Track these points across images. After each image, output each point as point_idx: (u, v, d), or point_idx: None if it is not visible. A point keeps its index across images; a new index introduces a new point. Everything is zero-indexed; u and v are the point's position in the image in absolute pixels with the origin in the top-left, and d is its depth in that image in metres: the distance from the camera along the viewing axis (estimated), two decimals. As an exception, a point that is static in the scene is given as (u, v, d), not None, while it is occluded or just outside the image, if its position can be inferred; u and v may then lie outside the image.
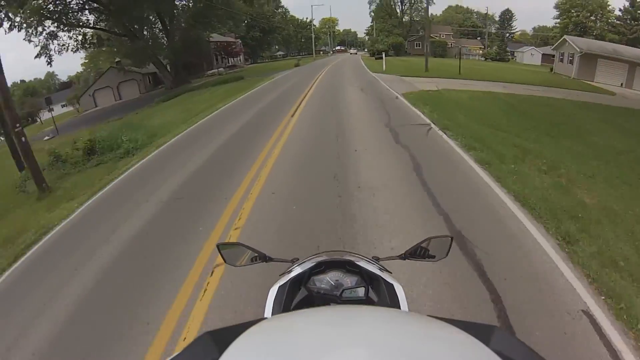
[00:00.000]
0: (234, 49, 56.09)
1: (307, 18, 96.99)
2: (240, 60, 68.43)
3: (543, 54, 68.20)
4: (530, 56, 68.04)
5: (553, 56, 69.41)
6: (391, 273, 1.40)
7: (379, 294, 1.29)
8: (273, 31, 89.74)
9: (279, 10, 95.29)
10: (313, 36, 68.43)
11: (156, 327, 3.57)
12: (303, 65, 41.99)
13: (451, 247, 1.48)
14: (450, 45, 68.89)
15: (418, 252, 1.49)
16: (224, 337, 0.58)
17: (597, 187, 6.16)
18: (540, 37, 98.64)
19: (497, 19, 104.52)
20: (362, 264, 1.33)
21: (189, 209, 6.07)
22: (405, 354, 0.51)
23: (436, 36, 76.74)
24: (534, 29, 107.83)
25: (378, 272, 1.34)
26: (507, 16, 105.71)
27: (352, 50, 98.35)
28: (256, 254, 1.57)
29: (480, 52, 76.96)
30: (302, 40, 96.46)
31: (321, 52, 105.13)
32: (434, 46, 64.90)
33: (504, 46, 65.90)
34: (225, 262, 1.57)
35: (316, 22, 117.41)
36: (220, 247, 1.56)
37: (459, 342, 0.57)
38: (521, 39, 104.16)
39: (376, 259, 1.51)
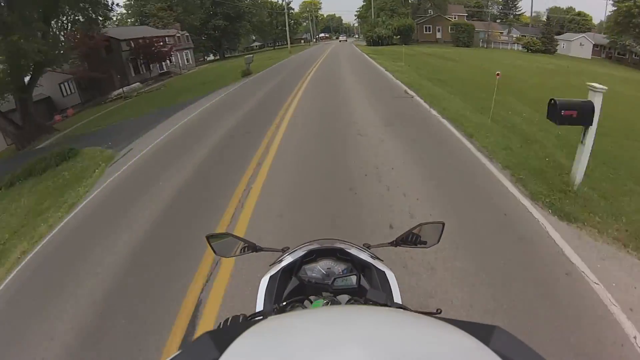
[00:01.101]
0: (161, 48, 35.22)
1: (283, 0, 75.46)
2: (188, 60, 47.67)
3: (594, 45, 49.21)
4: (579, 47, 48.69)
5: (602, 47, 50.63)
6: (382, 260, 1.34)
7: (370, 281, 1.24)
8: (241, 18, 68.63)
9: (249, -9, 73.55)
10: (287, 20, 47.55)
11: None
12: (259, 73, 22.25)
13: (442, 233, 1.39)
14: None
15: (409, 239, 1.42)
16: (224, 337, 0.57)
17: None
18: (557, 20, 79.60)
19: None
20: (353, 251, 1.29)
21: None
22: (405, 354, 0.49)
23: (449, 18, 56.63)
24: (549, 10, 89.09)
25: (369, 259, 1.29)
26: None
27: (341, 37, 77.88)
28: (246, 244, 1.49)
29: (510, 39, 57.17)
30: (279, 27, 75.20)
31: (302, 41, 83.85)
32: (457, 31, 44.92)
33: (550, 34, 46.14)
34: (215, 253, 1.47)
35: (295, 6, 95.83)
36: (210, 238, 1.45)
37: (458, 342, 0.55)
38: (532, 22, 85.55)
39: (367, 247, 1.46)
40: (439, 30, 55.82)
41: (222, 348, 0.54)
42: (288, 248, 1.48)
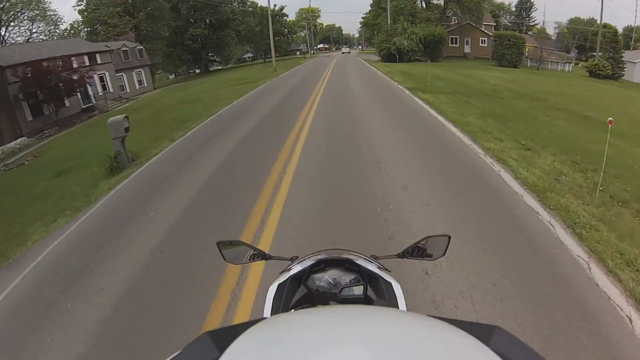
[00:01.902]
0: (68, 75, 22.32)
1: (275, 5, 63.46)
2: (141, 82, 35.14)
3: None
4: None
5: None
6: (390, 271, 1.33)
7: (377, 292, 1.25)
8: (225, 25, 56.68)
9: (235, -5, 61.31)
10: (271, 25, 34.82)
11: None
12: (157, 157, 8.27)
13: (448, 246, 1.35)
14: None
15: (416, 252, 1.41)
16: (224, 337, 0.55)
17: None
18: (579, 32, 68.04)
19: (513, 9, 75.57)
20: (361, 262, 1.29)
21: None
22: (405, 354, 0.49)
23: (480, 28, 44.45)
24: (570, 21, 78.19)
25: (377, 270, 1.30)
26: (525, 5, 76.41)
27: (344, 49, 65.95)
28: (256, 252, 1.48)
29: (561, 57, 44.91)
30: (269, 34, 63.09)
31: (298, 53, 71.49)
32: (503, 46, 32.50)
33: (619, 54, 33.75)
34: (224, 260, 1.44)
35: (291, 14, 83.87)
36: (220, 245, 1.44)
37: (459, 342, 0.54)
38: (543, 34, 73.89)
39: (375, 258, 1.45)
40: (468, 43, 43.57)
41: (222, 348, 0.52)
42: (297, 257, 1.44)
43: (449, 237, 1.36)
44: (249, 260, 1.47)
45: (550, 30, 79.95)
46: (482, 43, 43.87)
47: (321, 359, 0.48)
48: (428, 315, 0.64)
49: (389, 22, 32.25)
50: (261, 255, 1.47)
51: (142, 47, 36.49)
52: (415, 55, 30.95)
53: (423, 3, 38.34)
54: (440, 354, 0.49)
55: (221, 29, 56.24)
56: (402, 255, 1.42)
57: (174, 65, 62.61)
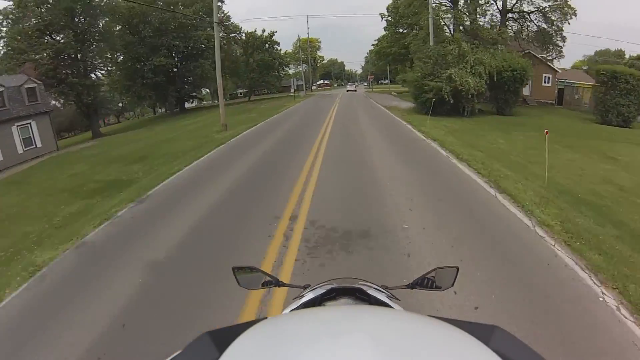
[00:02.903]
0: None
1: (263, 30, 50.81)
2: (31, 140, 20.72)
3: None
4: None
5: None
6: (399, 300, 1.32)
7: None
8: (199, 55, 43.77)
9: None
10: (217, 37, 18.39)
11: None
12: None
13: (457, 278, 1.35)
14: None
15: (425, 283, 1.42)
16: (224, 337, 0.55)
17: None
18: (607, 63, 55.35)
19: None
20: (372, 292, 1.28)
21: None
22: (405, 354, 0.48)
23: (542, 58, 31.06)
24: (596, 53, 67.39)
25: (387, 300, 1.29)
26: (543, 37, 63.72)
27: (349, 86, 53.02)
28: (270, 279, 1.47)
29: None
30: (256, 70, 50.17)
31: (291, 90, 58.58)
32: (615, 92, 18.43)
33: None
34: (239, 284, 1.45)
35: (288, 45, 72.07)
36: (235, 271, 1.46)
37: (459, 342, 0.53)
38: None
39: (385, 288, 1.45)
40: (528, 82, 30.14)
41: (222, 348, 0.51)
42: (309, 285, 1.43)
43: (457, 269, 1.34)
44: (262, 286, 1.45)
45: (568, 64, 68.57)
46: (545, 82, 30.51)
47: (322, 355, 0.47)
48: (428, 316, 0.63)
49: (431, 41, 18.44)
50: (274, 282, 1.44)
51: (35, 84, 22.59)
52: (473, 110, 16.86)
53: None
54: (441, 354, 0.48)
55: (194, 59, 43.30)
56: (412, 286, 1.40)
57: (136, 103, 49.77)
